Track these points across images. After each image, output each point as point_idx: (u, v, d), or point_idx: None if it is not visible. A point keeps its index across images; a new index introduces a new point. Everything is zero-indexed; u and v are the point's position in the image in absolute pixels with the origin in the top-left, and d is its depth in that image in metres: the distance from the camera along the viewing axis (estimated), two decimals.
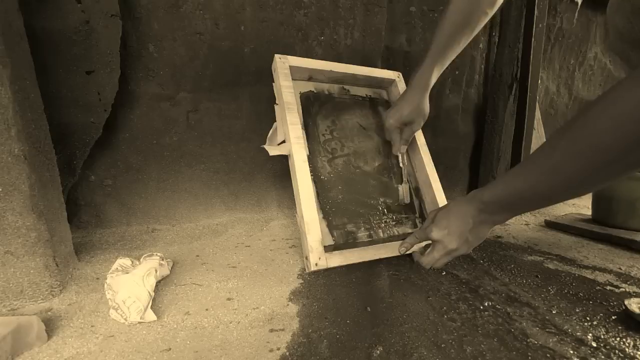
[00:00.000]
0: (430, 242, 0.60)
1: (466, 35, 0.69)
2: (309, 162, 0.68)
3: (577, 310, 0.53)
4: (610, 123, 0.36)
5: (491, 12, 0.67)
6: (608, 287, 0.61)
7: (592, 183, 0.43)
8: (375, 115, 0.86)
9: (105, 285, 0.50)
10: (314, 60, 0.78)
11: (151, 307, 0.49)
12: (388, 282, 0.62)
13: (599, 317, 0.51)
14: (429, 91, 0.72)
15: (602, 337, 0.46)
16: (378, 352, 0.42)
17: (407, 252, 0.66)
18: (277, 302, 0.54)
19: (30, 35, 0.54)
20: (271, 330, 0.46)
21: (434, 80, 0.72)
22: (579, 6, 1.37)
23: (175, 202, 0.84)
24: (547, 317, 0.50)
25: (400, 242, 0.67)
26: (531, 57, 1.16)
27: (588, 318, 0.50)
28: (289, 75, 0.73)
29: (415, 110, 0.73)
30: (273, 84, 0.75)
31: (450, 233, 0.57)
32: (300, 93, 0.78)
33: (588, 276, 0.66)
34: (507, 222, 1.05)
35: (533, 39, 1.15)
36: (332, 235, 0.66)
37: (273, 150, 0.70)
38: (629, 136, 0.35)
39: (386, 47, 1.02)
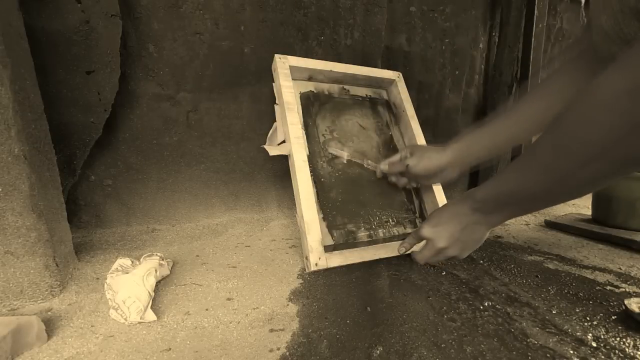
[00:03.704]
0: None
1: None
2: (309, 162, 0.68)
3: (577, 310, 0.53)
4: (590, 114, 0.36)
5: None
6: (608, 287, 0.61)
7: (578, 182, 0.41)
8: (376, 115, 0.86)
9: (105, 285, 0.50)
10: (314, 60, 0.78)
11: (151, 307, 0.49)
12: (388, 282, 0.62)
13: (599, 317, 0.51)
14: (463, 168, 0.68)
15: (602, 337, 0.46)
16: (378, 352, 0.42)
17: (407, 252, 0.66)
18: (277, 302, 0.54)
19: (30, 35, 0.54)
20: (271, 330, 0.46)
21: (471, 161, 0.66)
22: (582, 5, 1.37)
23: (175, 202, 0.84)
24: (547, 317, 0.50)
25: (400, 242, 0.67)
26: (531, 57, 1.16)
27: (588, 318, 0.50)
28: (289, 75, 0.73)
29: (439, 175, 0.68)
30: (273, 84, 0.75)
31: (439, 231, 0.56)
32: (300, 93, 0.78)
33: (588, 276, 0.66)
34: (507, 222, 1.05)
35: (533, 39, 1.15)
36: (332, 235, 0.66)
37: (273, 150, 0.70)
38: (607, 127, 0.34)
39: (386, 47, 1.02)
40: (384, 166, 0.74)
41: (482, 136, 0.64)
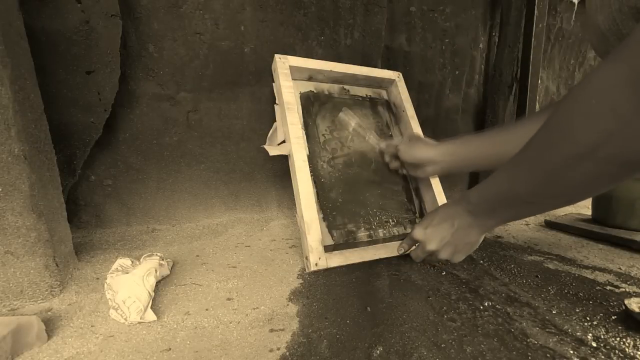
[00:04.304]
0: None
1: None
2: (309, 162, 0.68)
3: (577, 310, 0.53)
4: (580, 107, 0.34)
5: None
6: (608, 287, 0.61)
7: (567, 185, 0.38)
8: (375, 115, 0.86)
9: (105, 285, 0.50)
10: (314, 60, 0.78)
11: (151, 307, 0.49)
12: (388, 282, 0.61)
13: (599, 317, 0.51)
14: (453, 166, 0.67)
15: (602, 337, 0.46)
16: (378, 352, 0.42)
17: (406, 253, 0.66)
18: (277, 302, 0.54)
19: (30, 35, 0.54)
20: (271, 330, 0.46)
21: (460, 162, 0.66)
22: (576, 6, 1.37)
23: (175, 202, 0.84)
24: (547, 317, 0.50)
25: (400, 242, 0.67)
26: (531, 57, 1.17)
27: (588, 318, 0.50)
28: (289, 75, 0.73)
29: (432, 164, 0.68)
30: (273, 84, 0.75)
31: (430, 233, 0.56)
32: (300, 93, 0.78)
33: (588, 276, 0.66)
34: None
35: (533, 39, 1.16)
36: (332, 235, 0.66)
37: (273, 150, 0.70)
38: (597, 122, 0.32)
39: (386, 47, 1.02)
40: (382, 144, 0.77)
41: (472, 142, 0.64)
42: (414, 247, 0.65)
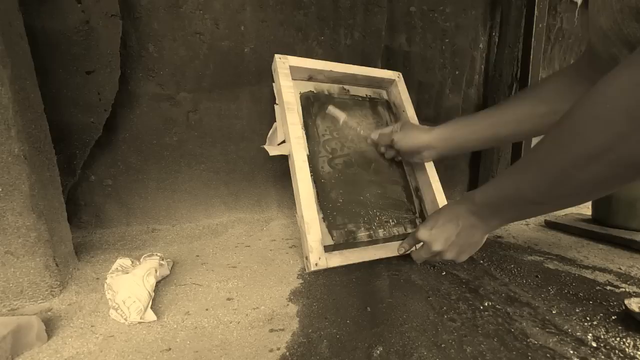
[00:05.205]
0: None
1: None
2: (309, 162, 0.68)
3: (577, 310, 0.53)
4: (593, 110, 0.34)
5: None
6: (608, 287, 0.61)
7: (575, 187, 0.38)
8: (375, 115, 0.86)
9: (105, 285, 0.50)
10: (314, 60, 0.78)
11: (151, 307, 0.49)
12: (388, 282, 0.61)
13: (599, 317, 0.51)
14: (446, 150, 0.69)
15: (602, 337, 0.46)
16: (378, 352, 0.42)
17: (406, 253, 0.66)
18: (277, 302, 0.54)
19: (30, 35, 0.54)
20: (271, 330, 0.46)
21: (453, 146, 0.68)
22: (578, 6, 1.37)
23: (175, 202, 0.84)
24: (547, 317, 0.50)
25: (400, 242, 0.67)
26: (531, 57, 1.16)
27: (588, 318, 0.50)
28: (289, 75, 0.73)
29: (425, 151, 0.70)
30: (273, 84, 0.75)
31: (435, 234, 0.56)
32: (300, 93, 0.78)
33: (588, 276, 0.66)
34: None
35: (533, 39, 1.15)
36: (332, 235, 0.66)
37: (273, 150, 0.70)
38: (610, 124, 0.32)
39: (386, 47, 1.02)
40: (374, 135, 0.78)
41: (466, 126, 0.66)
42: (414, 247, 0.65)
